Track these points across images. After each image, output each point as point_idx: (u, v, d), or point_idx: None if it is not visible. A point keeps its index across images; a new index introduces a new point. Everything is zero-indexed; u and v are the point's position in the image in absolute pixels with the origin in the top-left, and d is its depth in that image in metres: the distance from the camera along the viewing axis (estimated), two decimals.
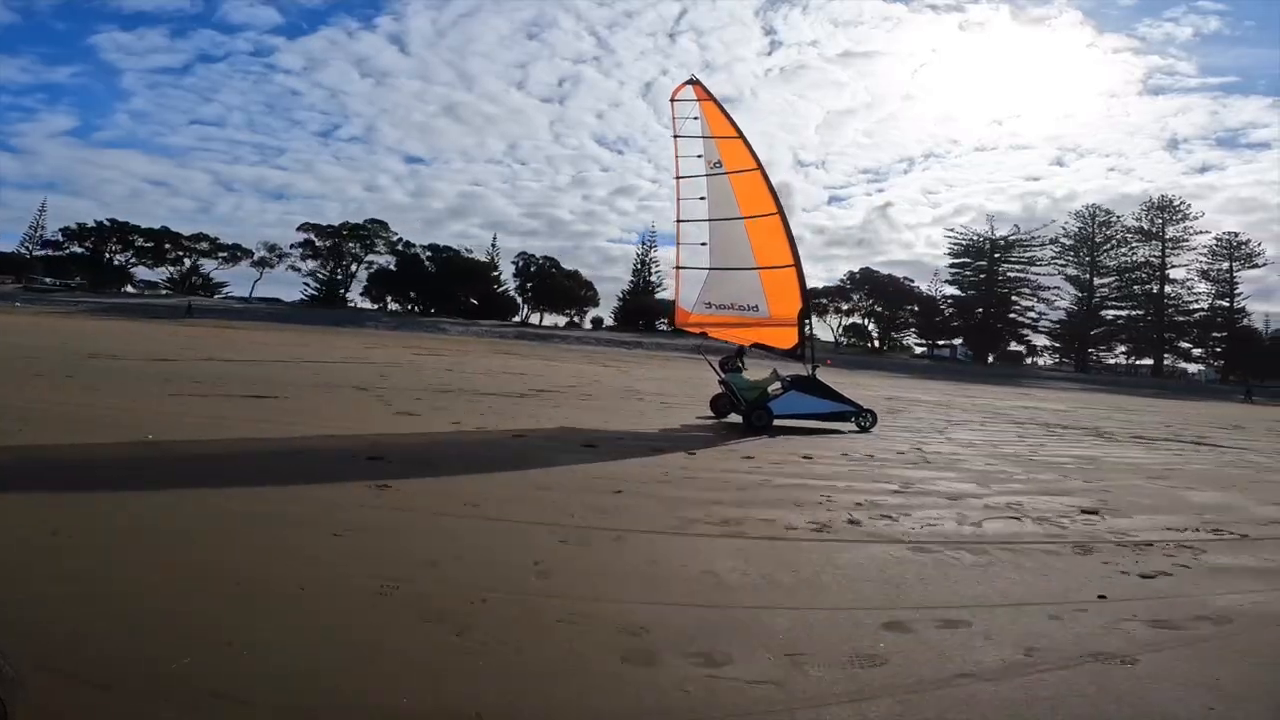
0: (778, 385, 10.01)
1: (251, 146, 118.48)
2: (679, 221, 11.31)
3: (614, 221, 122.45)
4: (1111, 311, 76.45)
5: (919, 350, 75.63)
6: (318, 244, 68.45)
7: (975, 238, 76.97)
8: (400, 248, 70.10)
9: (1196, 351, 74.89)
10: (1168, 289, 74.55)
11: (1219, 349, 73.43)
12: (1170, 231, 74.74)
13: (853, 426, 9.94)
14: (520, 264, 70.90)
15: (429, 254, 69.93)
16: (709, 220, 11.01)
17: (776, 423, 9.56)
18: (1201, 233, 73.66)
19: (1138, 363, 76.41)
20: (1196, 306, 74.27)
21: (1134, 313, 75.49)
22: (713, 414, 10.40)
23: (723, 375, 10.05)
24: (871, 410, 10.25)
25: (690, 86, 11.62)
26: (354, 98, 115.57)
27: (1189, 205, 74.77)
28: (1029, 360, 75.28)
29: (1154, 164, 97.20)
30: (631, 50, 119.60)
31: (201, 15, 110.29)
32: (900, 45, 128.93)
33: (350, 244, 68.85)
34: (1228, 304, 73.34)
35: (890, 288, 71.98)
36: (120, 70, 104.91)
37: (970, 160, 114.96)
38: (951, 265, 77.23)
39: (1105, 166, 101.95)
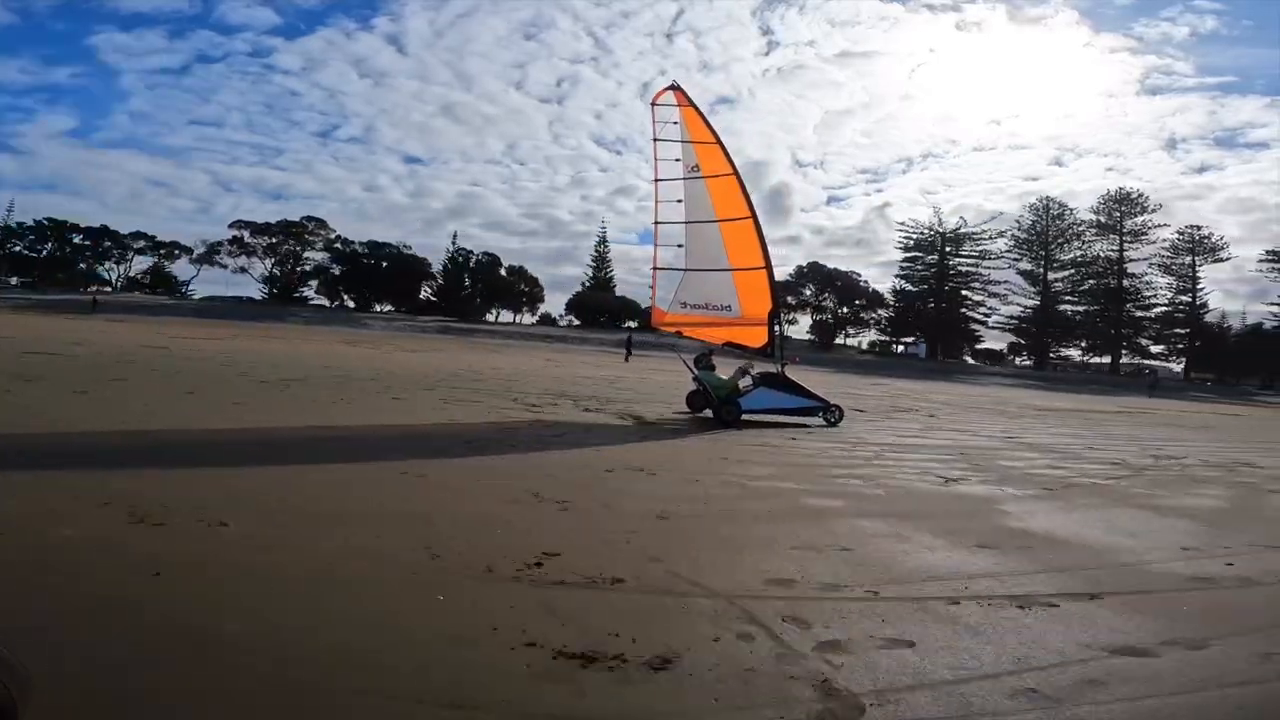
0: (748, 382, 10.48)
1: (250, 147, 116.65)
2: (657, 223, 11.73)
3: (613, 222, 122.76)
4: (1067, 307, 74.95)
5: (866, 346, 74.93)
6: (247, 240, 68.30)
7: (925, 231, 75.39)
8: (338, 245, 70.45)
9: (1156, 348, 74.13)
10: (1126, 284, 72.80)
11: (1180, 345, 72.77)
12: (1129, 225, 73.20)
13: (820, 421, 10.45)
14: (460, 259, 71.15)
15: (366, 251, 70.29)
16: (685, 223, 11.44)
17: (746, 417, 10.05)
18: (1161, 225, 72.60)
19: (1095, 360, 75.20)
20: (1155, 301, 73.00)
21: (1090, 308, 73.93)
22: (689, 409, 10.87)
23: (696, 373, 10.49)
24: (839, 405, 10.76)
25: (671, 92, 12.02)
26: (352, 98, 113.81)
27: (1147, 198, 73.74)
28: (981, 359, 75.08)
29: (1152, 164, 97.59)
30: (629, 50, 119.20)
31: (199, 16, 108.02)
32: (897, 45, 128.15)
33: (289, 242, 68.88)
34: (1190, 299, 72.05)
35: (838, 281, 71.24)
36: (119, 71, 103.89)
37: (969, 160, 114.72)
38: (903, 260, 75.83)
39: (1104, 166, 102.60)
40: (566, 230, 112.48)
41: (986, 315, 75.21)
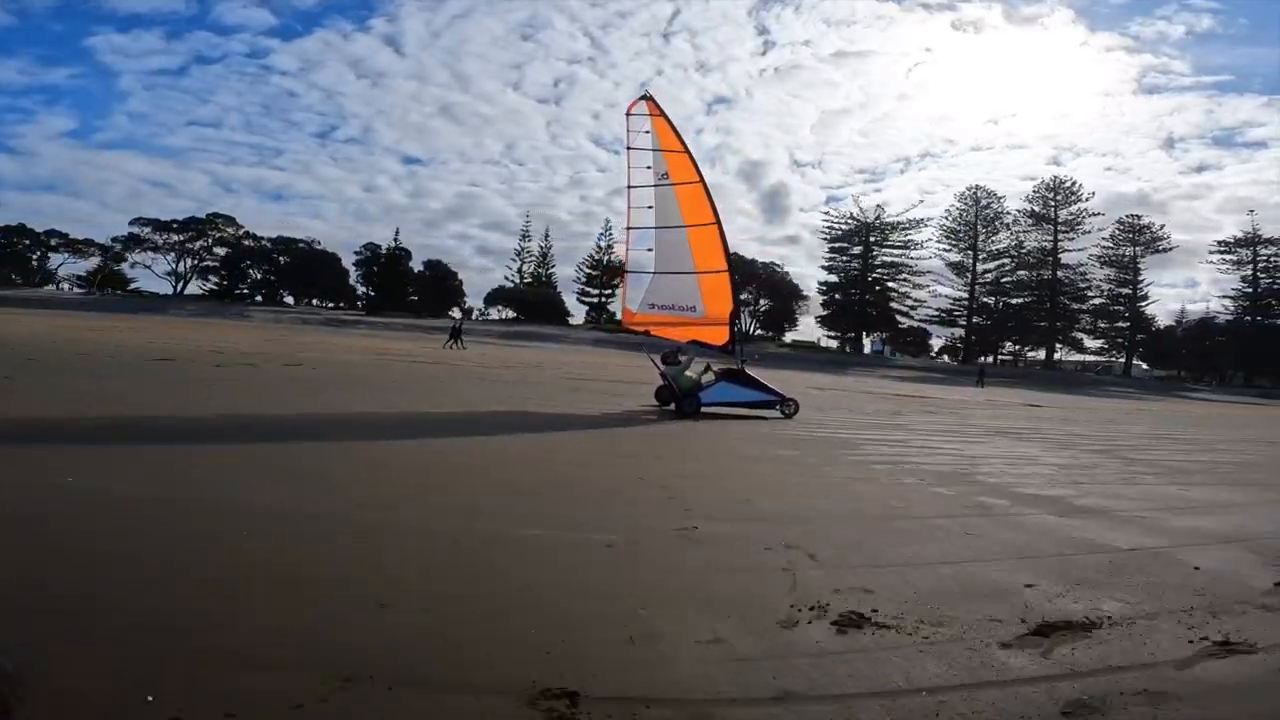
0: (711, 377, 11.40)
1: (249, 148, 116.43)
2: (629, 228, 12.55)
3: (617, 223, 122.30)
4: (997, 299, 73.19)
5: (788, 340, 71.83)
6: (144, 237, 68.76)
7: (849, 221, 73.49)
8: (246, 241, 70.99)
9: (1094, 343, 72.46)
10: (1061, 275, 70.82)
11: (1120, 340, 71.16)
12: (1063, 214, 70.96)
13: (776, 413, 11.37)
14: (365, 255, 71.94)
15: (271, 246, 71.05)
16: (655, 228, 12.26)
17: (714, 409, 10.96)
18: (1095, 214, 70.39)
19: (1028, 354, 73.65)
20: (1089, 293, 71.23)
21: (1022, 300, 71.93)
22: (657, 402, 11.80)
23: (662, 368, 11.40)
24: (794, 399, 11.68)
25: (643, 102, 12.73)
26: (350, 99, 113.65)
27: (1080, 186, 71.50)
28: (920, 354, 73.45)
29: (1151, 163, 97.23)
30: (626, 51, 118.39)
31: (196, 17, 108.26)
32: (893, 45, 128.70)
33: (194, 239, 69.53)
34: (1130, 291, 70.24)
35: (761, 274, 69.96)
36: (117, 72, 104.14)
37: (967, 160, 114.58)
38: (828, 251, 74.30)
39: (1102, 166, 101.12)
40: (566, 230, 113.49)
41: (913, 308, 73.39)
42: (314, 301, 70.72)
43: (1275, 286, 68.72)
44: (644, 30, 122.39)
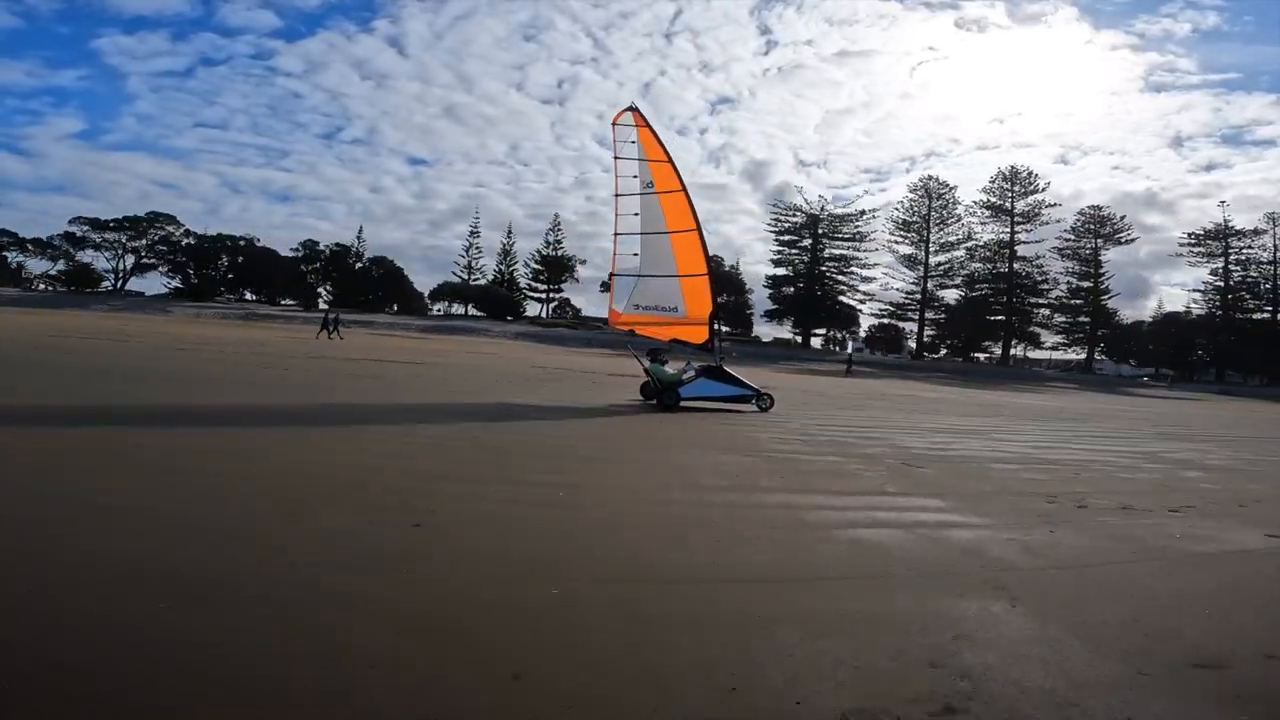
0: (691, 373, 12.29)
1: (256, 149, 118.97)
2: (616, 234, 13.40)
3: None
4: (950, 292, 71.77)
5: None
6: (78, 235, 68.83)
7: (797, 214, 71.53)
8: (187, 239, 71.63)
9: (1052, 339, 70.61)
10: (1018, 268, 69.06)
11: (1080, 334, 69.45)
12: (1020, 206, 69.11)
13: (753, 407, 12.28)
14: (305, 252, 72.74)
15: (208, 245, 71.70)
16: (640, 234, 13.11)
17: (693, 403, 11.86)
18: (1053, 205, 68.65)
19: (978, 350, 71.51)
20: (1047, 287, 69.34)
21: (977, 294, 69.98)
22: (642, 397, 12.69)
23: (646, 365, 12.28)
24: (770, 394, 12.58)
25: (630, 113, 13.54)
26: (355, 100, 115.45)
27: (1036, 176, 69.56)
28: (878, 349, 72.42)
29: (1159, 162, 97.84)
30: (629, 51, 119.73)
31: (200, 19, 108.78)
32: (896, 44, 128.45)
33: (135, 237, 69.90)
34: (1091, 285, 68.35)
35: (717, 271, 68.72)
36: (124, 74, 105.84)
37: (972, 159, 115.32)
38: (777, 244, 72.40)
39: (1109, 165, 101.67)
40: (573, 231, 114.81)
41: (862, 301, 72.01)
42: (282, 300, 71.21)
43: (1249, 279, 67.87)
44: (646, 30, 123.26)
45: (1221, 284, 67.94)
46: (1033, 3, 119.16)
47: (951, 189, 71.15)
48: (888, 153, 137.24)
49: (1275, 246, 66.25)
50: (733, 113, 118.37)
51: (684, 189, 13.02)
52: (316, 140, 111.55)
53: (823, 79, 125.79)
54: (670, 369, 12.31)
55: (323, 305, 64.11)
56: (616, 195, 13.49)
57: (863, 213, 70.93)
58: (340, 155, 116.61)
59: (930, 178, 72.21)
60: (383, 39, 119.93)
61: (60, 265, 70.13)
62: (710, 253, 13.80)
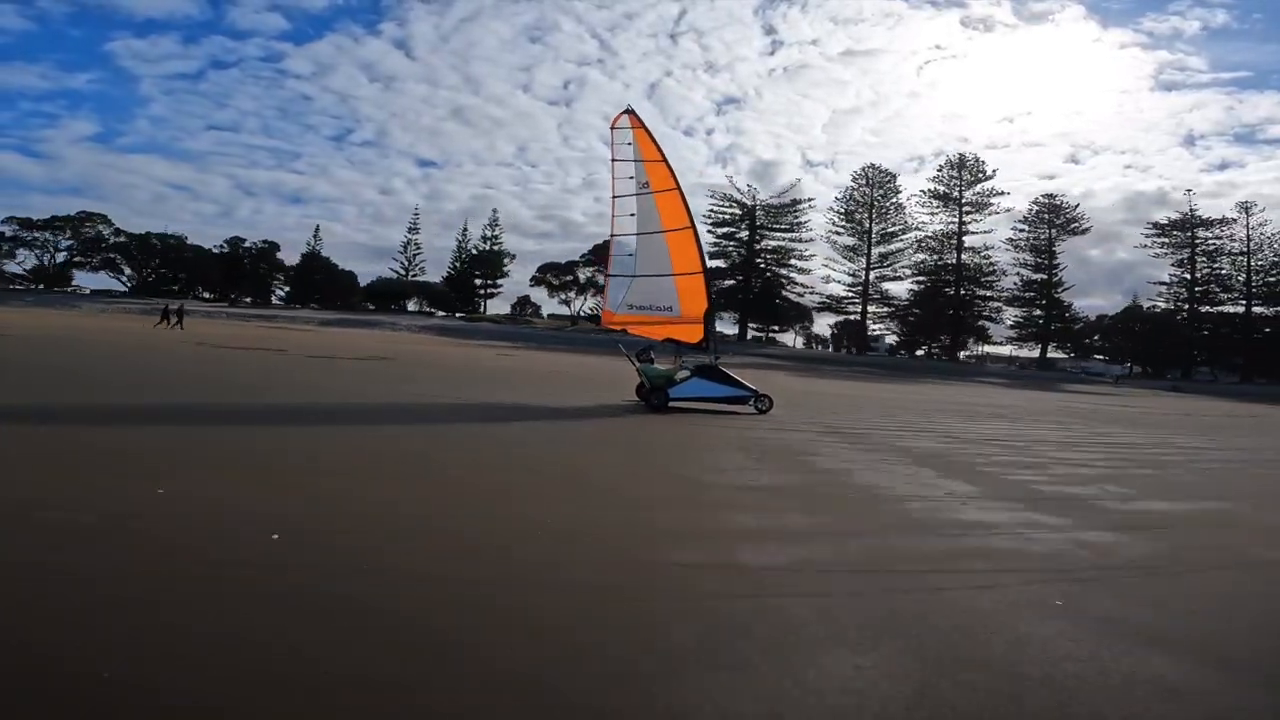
0: (685, 373, 11.96)
1: (267, 151, 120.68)
2: (613, 236, 13.32)
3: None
4: (898, 286, 69.07)
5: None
6: (8, 235, 70.98)
7: (732, 204, 68.86)
8: (118, 238, 73.22)
9: (1005, 334, 67.14)
10: (965, 259, 66.10)
11: (1033, 329, 66.00)
12: (968, 195, 66.27)
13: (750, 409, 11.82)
14: (230, 249, 74.02)
15: (134, 243, 73.28)
16: (637, 234, 12.97)
17: (688, 403, 11.53)
18: (1001, 193, 65.90)
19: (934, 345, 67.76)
20: (993, 279, 66.43)
21: (921, 286, 67.43)
22: (638, 398, 12.44)
23: (637, 366, 12.04)
24: (768, 395, 12.09)
25: (626, 115, 13.53)
26: (364, 102, 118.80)
27: (983, 163, 67.10)
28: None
29: (1171, 160, 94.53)
30: (634, 52, 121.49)
31: (210, 22, 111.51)
32: (902, 43, 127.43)
33: (69, 236, 71.58)
34: (1045, 277, 65.55)
35: None
36: (137, 77, 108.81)
37: (981, 158, 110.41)
38: (714, 237, 68.94)
39: (1121, 164, 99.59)
40: (581, 232, 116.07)
41: (799, 295, 69.25)
42: (234, 296, 73.43)
43: (1219, 271, 63.60)
44: (651, 31, 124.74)
45: (1188, 276, 63.97)
46: (1039, 1, 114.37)
47: (894, 177, 68.53)
48: (896, 152, 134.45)
49: (1248, 237, 62.00)
50: (739, 113, 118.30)
51: (678, 187, 12.85)
52: (327, 142, 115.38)
53: (829, 78, 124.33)
54: (661, 368, 12.03)
55: (169, 299, 66.07)
56: (614, 197, 13.44)
57: (796, 202, 68.08)
58: (350, 157, 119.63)
59: (871, 166, 69.43)
60: (390, 41, 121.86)
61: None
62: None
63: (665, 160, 13.02)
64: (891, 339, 71.54)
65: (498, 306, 79.59)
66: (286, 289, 77.15)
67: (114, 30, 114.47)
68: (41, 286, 69.63)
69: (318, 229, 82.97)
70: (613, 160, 13.54)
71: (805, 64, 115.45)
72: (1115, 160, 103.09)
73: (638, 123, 13.36)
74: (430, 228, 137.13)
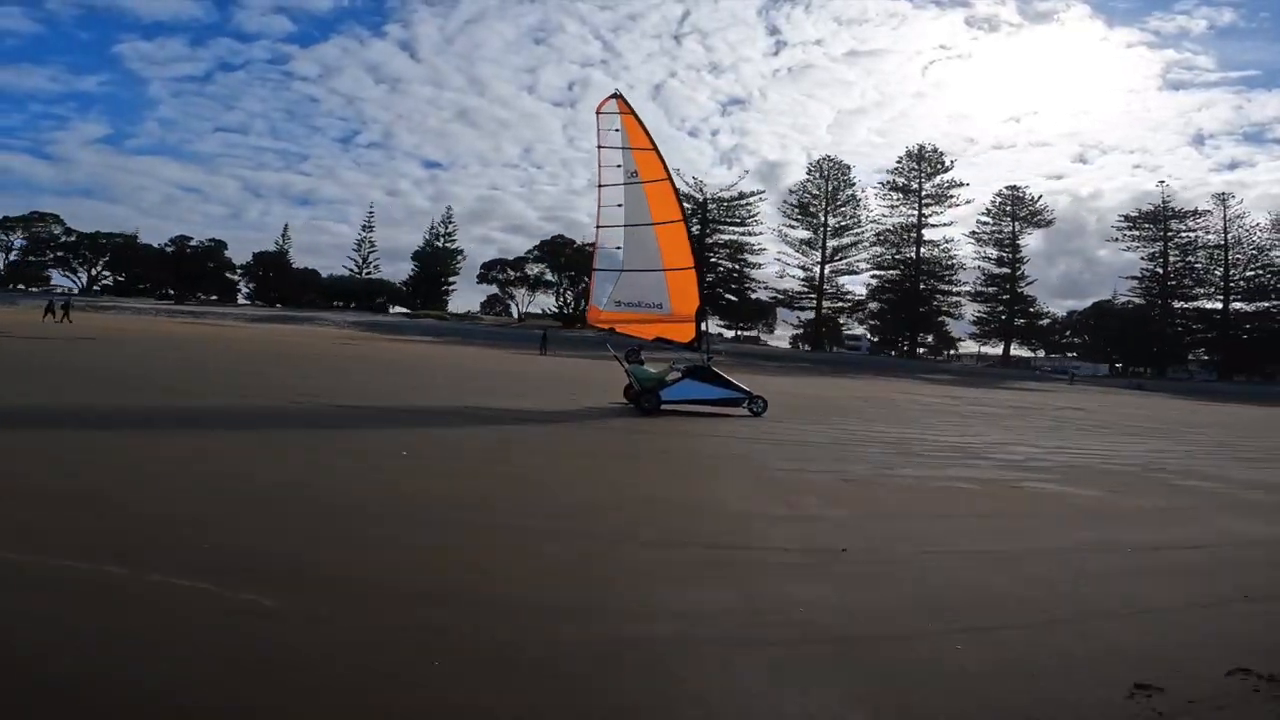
0: (676, 374, 11.34)
1: (275, 153, 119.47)
2: (599, 227, 12.57)
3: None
4: (849, 279, 67.10)
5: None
6: None
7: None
8: (67, 237, 72.15)
9: (967, 329, 65.94)
10: (924, 252, 64.05)
11: (995, 325, 64.74)
12: (927, 187, 64.10)
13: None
14: (175, 247, 73.44)
15: (85, 241, 72.27)
16: (624, 226, 12.24)
17: (674, 406, 10.91)
18: (960, 185, 63.87)
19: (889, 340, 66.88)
20: (950, 273, 64.60)
21: (878, 281, 65.60)
22: (627, 400, 11.78)
23: (626, 367, 11.38)
24: (762, 396, 11.55)
25: (613, 100, 12.74)
26: (370, 104, 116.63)
27: (943, 154, 64.91)
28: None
29: (1180, 160, 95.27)
30: (638, 53, 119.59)
31: (217, 24, 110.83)
32: (907, 43, 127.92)
33: (14, 235, 70.85)
34: (1008, 270, 63.64)
35: (568, 250, 65.49)
36: (146, 79, 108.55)
37: (989, 159, 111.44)
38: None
39: (1130, 164, 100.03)
40: (587, 233, 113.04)
41: (751, 291, 67.30)
42: (200, 295, 72.25)
43: (1193, 265, 62.37)
44: (655, 32, 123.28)
45: (1160, 270, 62.82)
46: (1044, 0, 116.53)
47: (849, 168, 66.62)
48: (901, 152, 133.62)
49: (1225, 230, 61.02)
50: (744, 114, 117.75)
51: (669, 177, 12.20)
52: (334, 144, 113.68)
53: (833, 79, 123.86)
54: (651, 369, 11.39)
55: (55, 292, 63.85)
56: (599, 186, 12.69)
57: (744, 195, 66.15)
58: (357, 159, 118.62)
59: (826, 157, 67.85)
60: (395, 43, 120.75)
61: None
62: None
63: (656, 149, 12.31)
64: (869, 336, 70.78)
65: (470, 304, 78.42)
66: (251, 287, 75.25)
67: (122, 32, 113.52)
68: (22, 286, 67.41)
69: (286, 228, 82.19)
70: (599, 147, 12.76)
71: (809, 64, 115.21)
72: (1124, 160, 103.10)
73: (626, 108, 12.61)
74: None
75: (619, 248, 12.26)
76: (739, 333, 69.91)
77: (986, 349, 69.15)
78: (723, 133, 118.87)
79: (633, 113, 12.62)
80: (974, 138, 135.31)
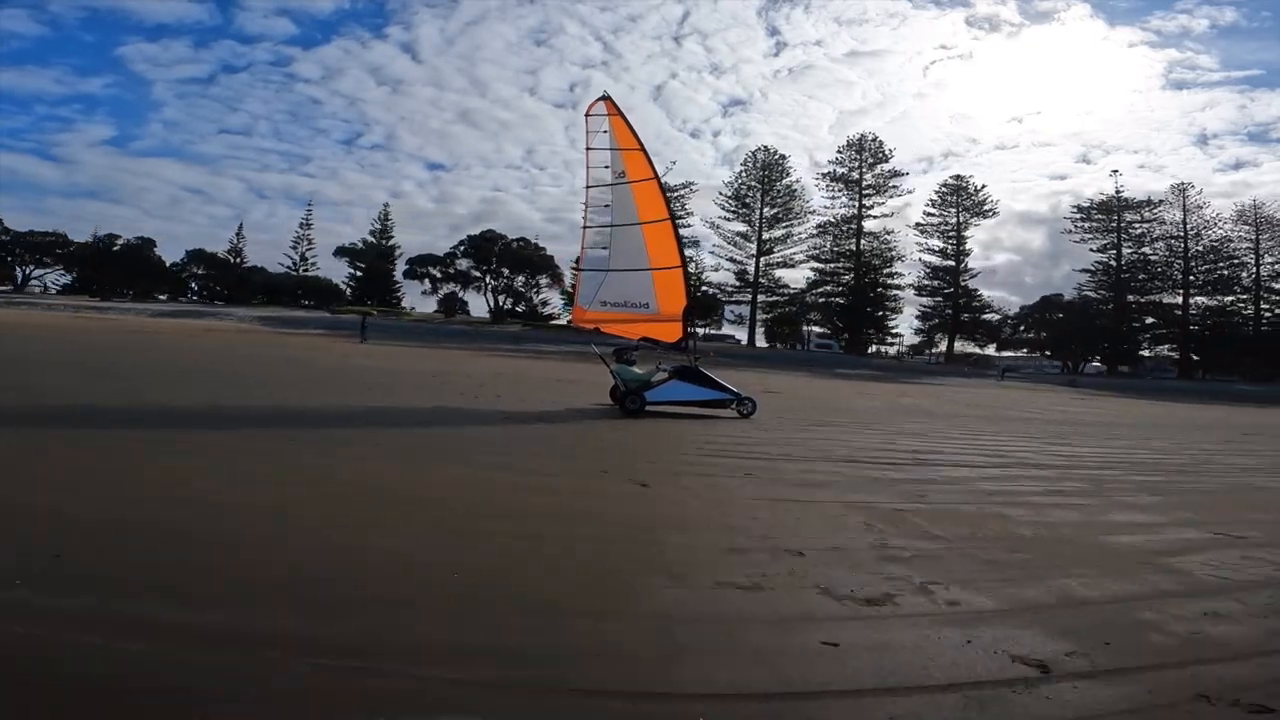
0: (662, 375, 11.08)
1: (279, 155, 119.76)
2: (585, 227, 12.43)
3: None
4: (783, 271, 65.15)
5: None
6: None
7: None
8: (5, 236, 71.44)
9: (909, 326, 64.15)
10: (865, 245, 62.65)
11: (938, 320, 63.20)
12: (868, 177, 62.82)
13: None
14: (100, 243, 72.81)
15: (10, 239, 71.49)
16: (611, 225, 12.10)
17: (664, 407, 10.62)
18: (900, 174, 62.60)
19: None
20: (890, 268, 62.86)
21: (817, 274, 63.80)
22: (612, 402, 11.50)
23: (612, 367, 11.13)
24: (751, 397, 11.27)
25: (602, 102, 12.68)
26: (372, 105, 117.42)
27: (884, 144, 63.58)
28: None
29: (1185, 160, 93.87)
30: (639, 54, 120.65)
31: (220, 26, 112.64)
32: (907, 43, 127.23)
33: None
34: (954, 264, 62.13)
35: (522, 253, 63.57)
36: (150, 81, 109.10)
37: (991, 159, 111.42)
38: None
39: (1134, 164, 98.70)
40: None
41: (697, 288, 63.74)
42: (156, 294, 71.63)
43: (1148, 257, 60.67)
44: (655, 33, 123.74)
45: (1113, 263, 61.14)
46: (1043, 0, 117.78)
47: (785, 158, 65.11)
48: (904, 153, 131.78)
49: (1184, 221, 59.24)
50: (745, 115, 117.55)
51: (656, 177, 12.06)
52: (337, 146, 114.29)
53: (834, 79, 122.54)
54: (639, 370, 11.14)
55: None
56: (587, 187, 12.58)
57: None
58: (360, 161, 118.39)
59: (763, 147, 65.75)
60: (396, 45, 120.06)
61: None
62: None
63: (643, 149, 12.19)
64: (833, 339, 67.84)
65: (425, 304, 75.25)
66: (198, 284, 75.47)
67: (126, 35, 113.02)
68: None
69: (240, 227, 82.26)
70: (587, 149, 12.68)
71: (810, 65, 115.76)
72: (1128, 160, 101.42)
73: (614, 110, 12.54)
74: (439, 230, 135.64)
75: (605, 248, 12.10)
76: (707, 330, 68.49)
77: (943, 346, 65.92)
78: (724, 134, 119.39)
79: (621, 114, 12.54)
80: (976, 138, 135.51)
